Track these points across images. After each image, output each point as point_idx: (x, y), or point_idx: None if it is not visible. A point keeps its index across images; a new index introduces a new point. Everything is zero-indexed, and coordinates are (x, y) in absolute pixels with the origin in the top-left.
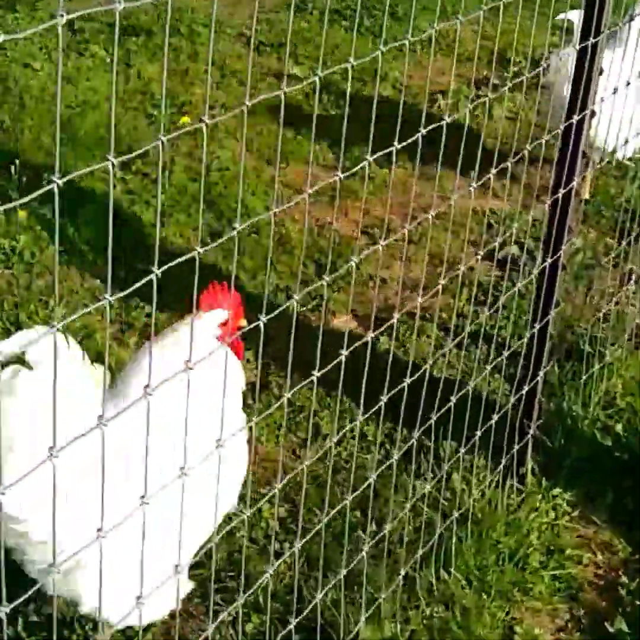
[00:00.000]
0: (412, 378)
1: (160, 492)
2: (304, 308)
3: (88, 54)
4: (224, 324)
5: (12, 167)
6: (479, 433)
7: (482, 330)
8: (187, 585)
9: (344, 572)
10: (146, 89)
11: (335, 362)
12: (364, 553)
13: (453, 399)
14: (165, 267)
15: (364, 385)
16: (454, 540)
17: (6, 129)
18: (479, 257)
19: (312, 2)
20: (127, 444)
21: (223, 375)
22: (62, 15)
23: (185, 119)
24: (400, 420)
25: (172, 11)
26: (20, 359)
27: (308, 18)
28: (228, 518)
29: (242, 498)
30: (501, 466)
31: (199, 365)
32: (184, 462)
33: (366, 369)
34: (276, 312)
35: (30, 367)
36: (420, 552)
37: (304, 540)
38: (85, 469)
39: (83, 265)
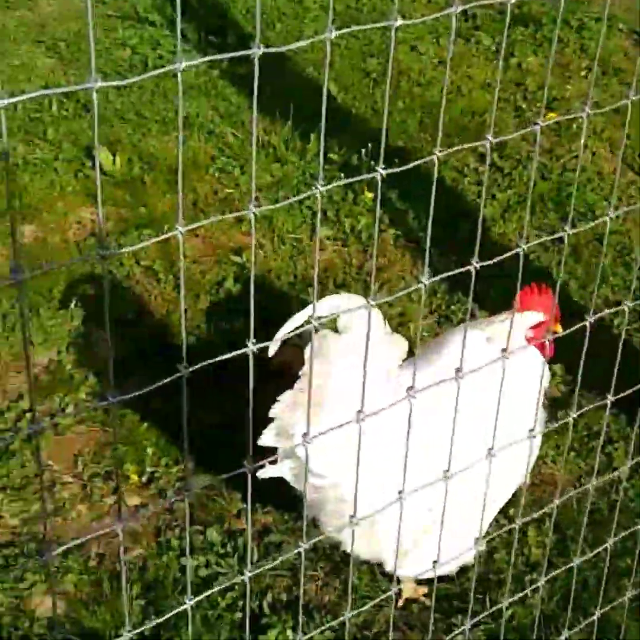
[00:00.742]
0: None
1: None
2: (629, 327)
3: (474, 41)
4: (538, 326)
5: (363, 150)
6: None
7: None
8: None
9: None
10: (522, 80)
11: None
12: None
13: None
14: (435, 279)
15: None
16: None
17: (377, 110)
18: None
19: None
20: (432, 413)
21: (526, 372)
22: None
23: (553, 115)
24: None
25: (566, 3)
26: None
27: None
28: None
29: (510, 520)
30: None
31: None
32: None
33: None
34: (573, 328)
35: (338, 331)
36: None
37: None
38: (391, 432)
39: (416, 252)
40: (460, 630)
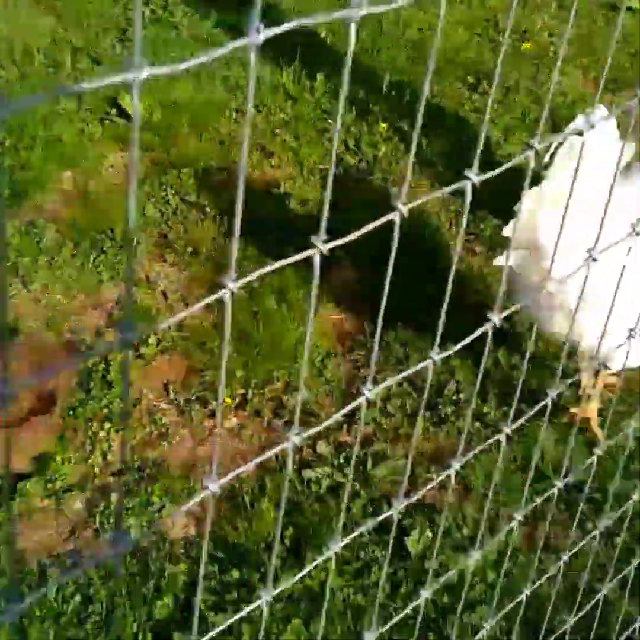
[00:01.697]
0: None
1: None
2: None
3: None
4: None
5: (361, 86)
6: None
7: None
8: None
9: None
10: (489, 16)
11: None
12: None
13: None
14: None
15: None
16: None
17: (365, 48)
18: None
19: None
20: None
21: None
22: None
23: (527, 45)
24: None
25: None
26: None
27: None
28: None
29: None
30: None
31: None
32: None
33: None
34: None
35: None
36: None
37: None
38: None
39: (433, 178)
40: None
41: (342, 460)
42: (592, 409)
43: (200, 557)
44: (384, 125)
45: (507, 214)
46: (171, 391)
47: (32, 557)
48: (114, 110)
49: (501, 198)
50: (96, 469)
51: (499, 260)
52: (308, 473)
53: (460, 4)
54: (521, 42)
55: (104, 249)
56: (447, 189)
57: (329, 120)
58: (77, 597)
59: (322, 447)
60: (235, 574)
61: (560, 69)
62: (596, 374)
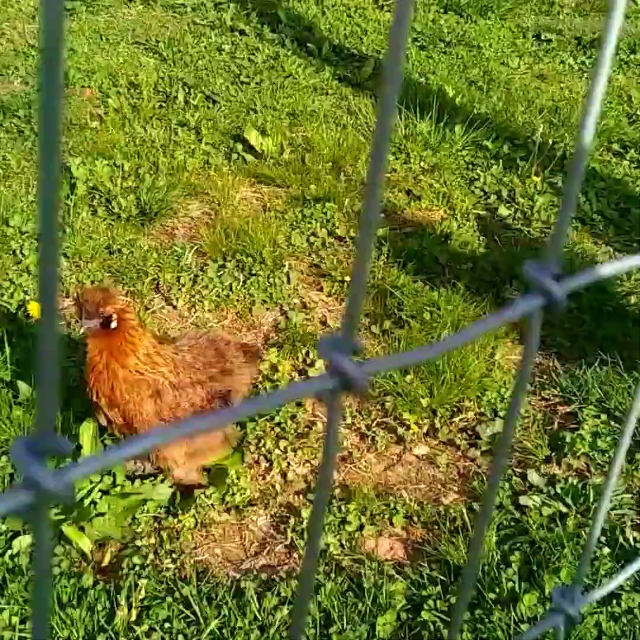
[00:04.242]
0: None
1: None
2: None
3: (557, 61)
4: None
5: (503, 142)
6: None
7: None
8: None
9: None
10: (621, 93)
11: None
12: None
13: None
14: None
15: None
16: None
17: (498, 111)
18: None
19: None
20: None
21: None
22: None
23: None
24: None
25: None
26: None
27: None
28: None
29: None
30: None
31: None
32: None
33: None
34: None
35: None
36: None
37: None
38: None
39: (595, 230)
40: None
41: (558, 491)
42: None
43: (416, 578)
44: (536, 178)
45: None
46: (348, 415)
47: (217, 569)
48: (239, 145)
49: None
50: (277, 487)
51: None
52: (525, 499)
53: (585, 81)
54: None
55: (254, 271)
56: None
57: (477, 171)
58: (284, 610)
59: (534, 477)
60: None
61: None
62: None
